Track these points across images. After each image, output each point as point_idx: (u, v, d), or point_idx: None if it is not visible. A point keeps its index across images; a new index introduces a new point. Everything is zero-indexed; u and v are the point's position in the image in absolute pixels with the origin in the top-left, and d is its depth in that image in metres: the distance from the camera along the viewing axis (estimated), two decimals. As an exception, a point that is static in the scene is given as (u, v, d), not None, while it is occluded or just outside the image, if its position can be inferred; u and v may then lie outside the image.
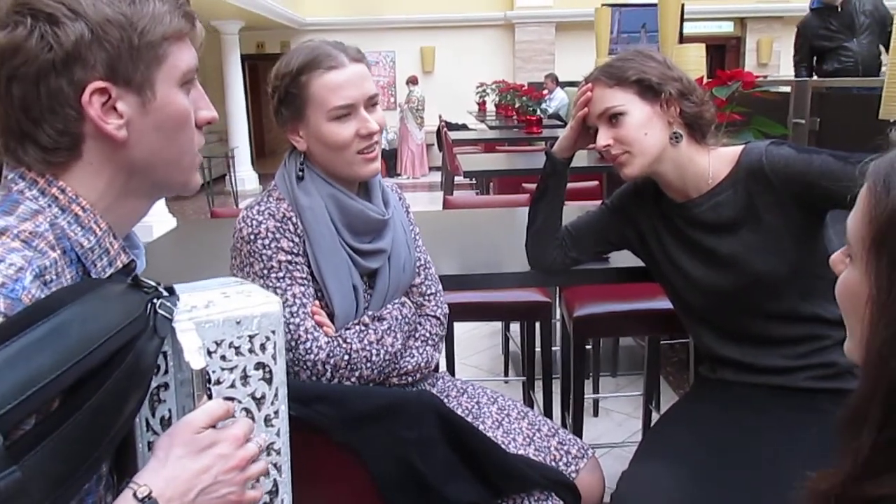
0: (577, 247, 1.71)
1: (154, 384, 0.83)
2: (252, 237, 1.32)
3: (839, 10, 4.89)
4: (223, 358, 0.87)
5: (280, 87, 1.37)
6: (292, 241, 1.34)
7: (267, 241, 1.32)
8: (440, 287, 1.56)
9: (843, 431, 0.69)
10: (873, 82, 3.24)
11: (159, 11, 0.81)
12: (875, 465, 0.64)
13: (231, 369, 0.88)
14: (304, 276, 1.34)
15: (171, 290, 0.84)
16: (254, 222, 1.33)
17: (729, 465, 1.34)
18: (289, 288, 1.32)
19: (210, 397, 0.84)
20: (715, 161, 1.48)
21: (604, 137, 1.48)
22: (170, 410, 0.85)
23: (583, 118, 1.54)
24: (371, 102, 1.36)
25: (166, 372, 0.84)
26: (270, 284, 1.31)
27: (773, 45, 12.99)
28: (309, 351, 1.29)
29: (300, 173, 1.38)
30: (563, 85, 9.72)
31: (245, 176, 10.82)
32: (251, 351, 0.89)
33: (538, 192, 1.71)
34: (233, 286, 0.94)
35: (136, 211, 0.90)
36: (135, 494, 0.74)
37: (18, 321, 0.67)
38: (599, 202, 1.78)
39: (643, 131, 1.44)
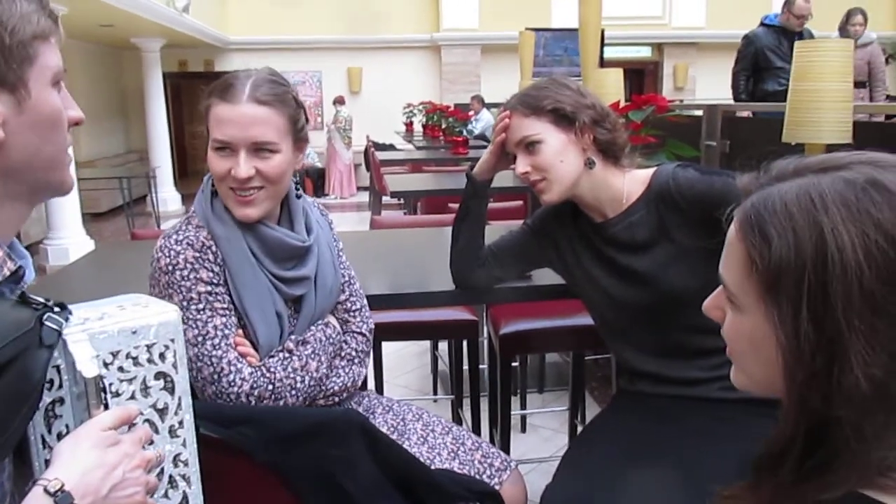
0: (501, 266, 1.75)
1: (48, 399, 0.82)
2: (170, 268, 1.29)
3: (795, 35, 5.06)
4: (121, 369, 0.86)
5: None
6: (212, 272, 1.31)
7: (186, 273, 1.29)
8: (365, 302, 1.56)
9: (762, 467, 0.69)
10: (777, 107, 3.41)
11: (26, 11, 0.81)
12: (797, 486, 0.66)
13: (130, 380, 0.87)
14: (225, 306, 1.32)
15: (62, 306, 0.83)
16: (172, 252, 1.30)
17: (648, 474, 1.38)
18: (210, 320, 1.29)
19: (107, 408, 0.83)
20: (629, 183, 1.54)
21: (522, 165, 1.53)
22: (67, 426, 0.83)
23: (501, 143, 1.58)
24: (256, 148, 1.30)
25: (61, 386, 0.82)
26: (191, 316, 1.28)
27: (688, 70, 13.53)
28: (232, 384, 1.27)
29: (214, 189, 1.37)
30: (489, 106, 9.87)
31: (167, 196, 10.54)
32: (150, 361, 0.88)
33: (460, 214, 1.74)
34: (130, 300, 0.93)
35: (16, 217, 0.87)
36: (45, 489, 0.72)
37: None
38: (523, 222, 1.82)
39: (559, 158, 1.50)
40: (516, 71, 6.06)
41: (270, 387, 1.30)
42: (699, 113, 3.66)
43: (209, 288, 1.30)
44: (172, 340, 0.89)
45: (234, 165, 1.29)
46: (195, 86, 15.50)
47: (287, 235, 1.38)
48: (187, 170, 14.15)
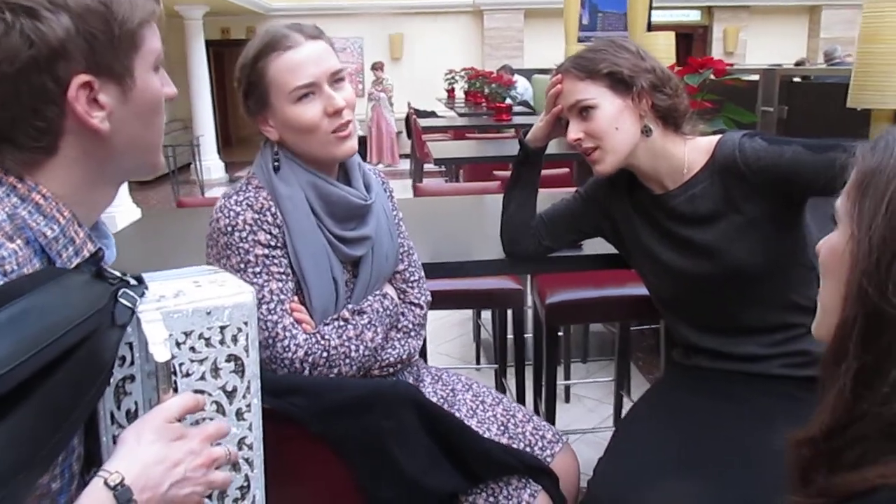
0: (551, 235, 1.71)
1: (119, 376, 0.81)
2: (229, 229, 1.28)
3: None
4: (193, 349, 0.84)
5: (242, 78, 1.33)
6: (270, 234, 1.29)
7: (244, 234, 1.28)
8: (423, 274, 1.54)
9: (824, 373, 0.71)
10: (840, 71, 3.28)
11: None
12: (857, 398, 0.67)
13: (201, 361, 0.85)
14: (282, 270, 1.30)
15: (139, 280, 0.82)
16: (231, 213, 1.28)
17: (705, 452, 1.35)
18: (266, 284, 1.28)
19: (176, 391, 0.82)
20: (691, 152, 1.47)
21: (574, 131, 1.47)
22: (136, 403, 0.82)
23: (553, 108, 1.52)
24: (335, 79, 1.31)
25: (132, 363, 0.81)
26: (247, 279, 1.26)
27: (739, 34, 13.12)
28: (287, 349, 1.26)
29: (276, 164, 1.33)
30: (532, 73, 9.72)
31: (211, 164, 10.64)
32: (222, 342, 0.86)
33: (511, 181, 1.70)
34: (207, 275, 0.92)
35: (104, 199, 0.88)
36: (105, 482, 0.71)
37: None
38: (570, 189, 1.77)
39: (614, 125, 1.43)
40: (561, 36, 5.93)
41: (325, 354, 1.28)
42: (755, 77, 3.52)
43: (266, 251, 1.29)
44: (246, 323, 0.88)
45: (327, 100, 1.29)
46: (238, 53, 15.59)
47: (349, 193, 1.36)
48: (231, 138, 14.29)
